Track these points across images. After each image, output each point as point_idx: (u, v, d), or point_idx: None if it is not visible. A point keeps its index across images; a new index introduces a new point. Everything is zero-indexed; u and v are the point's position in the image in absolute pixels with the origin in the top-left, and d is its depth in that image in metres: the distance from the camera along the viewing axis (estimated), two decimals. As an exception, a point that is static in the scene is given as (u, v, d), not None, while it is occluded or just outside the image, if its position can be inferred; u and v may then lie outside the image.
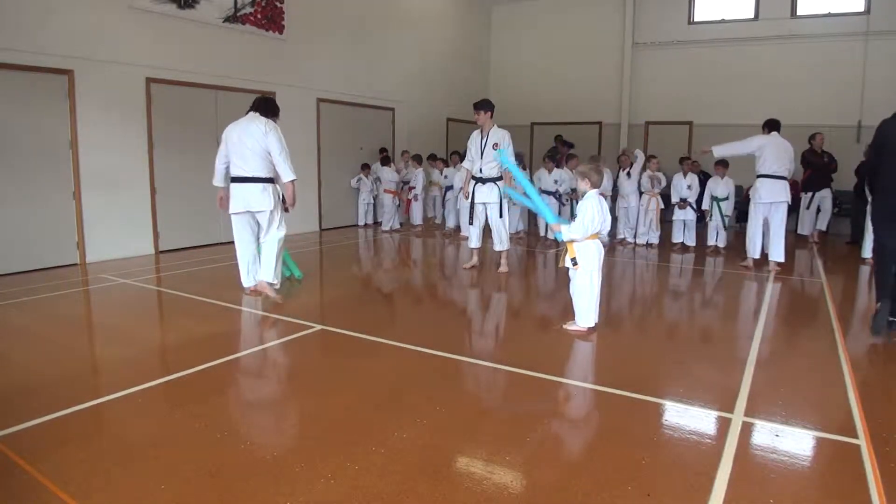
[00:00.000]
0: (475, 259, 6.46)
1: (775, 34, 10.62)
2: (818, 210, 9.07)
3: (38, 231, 6.15)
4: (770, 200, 6.43)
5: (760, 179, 6.49)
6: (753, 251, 6.68)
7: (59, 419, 2.66)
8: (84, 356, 3.76)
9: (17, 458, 2.29)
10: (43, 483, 2.13)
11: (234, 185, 4.81)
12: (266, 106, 4.95)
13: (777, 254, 6.48)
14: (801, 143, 9.34)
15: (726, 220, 7.91)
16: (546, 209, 4.40)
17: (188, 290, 5.31)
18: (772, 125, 6.60)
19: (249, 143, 4.69)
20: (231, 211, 4.88)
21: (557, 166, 9.02)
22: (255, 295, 4.98)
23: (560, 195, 8.83)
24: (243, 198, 4.79)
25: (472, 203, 6.25)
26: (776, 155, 6.37)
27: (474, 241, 6.41)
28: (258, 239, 5.01)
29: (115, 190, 6.76)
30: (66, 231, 6.40)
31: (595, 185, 4.02)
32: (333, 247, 6.15)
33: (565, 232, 3.95)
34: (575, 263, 3.94)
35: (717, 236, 7.97)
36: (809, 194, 8.96)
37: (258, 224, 4.94)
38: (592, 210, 3.90)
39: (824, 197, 9.00)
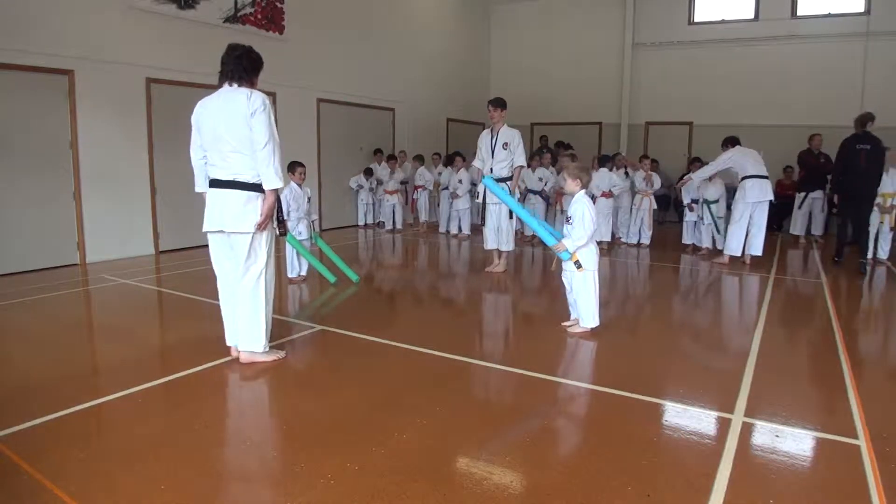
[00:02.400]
0: (496, 260, 6.29)
1: (775, 34, 10.64)
2: (810, 212, 9.08)
3: (38, 231, 6.15)
4: (758, 200, 6.70)
5: (748, 180, 6.71)
6: (736, 248, 6.86)
7: (59, 419, 2.66)
8: (84, 356, 3.76)
9: (17, 459, 2.29)
10: (43, 483, 2.13)
11: (209, 192, 3.33)
12: (242, 64, 3.26)
13: (756, 248, 6.82)
14: (801, 143, 9.37)
15: (720, 221, 7.82)
16: (543, 232, 4.19)
17: (188, 291, 5.31)
18: (733, 141, 6.93)
19: (228, 131, 3.17)
20: (203, 228, 3.36)
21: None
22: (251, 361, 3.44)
23: (546, 194, 8.80)
24: (217, 211, 3.27)
25: (484, 204, 6.20)
26: (751, 160, 6.71)
27: (490, 243, 6.25)
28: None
29: (115, 190, 6.76)
30: (66, 231, 6.40)
31: (585, 186, 4.04)
32: (333, 247, 6.19)
33: (570, 245, 3.92)
34: (579, 266, 3.94)
35: (707, 238, 7.95)
36: (802, 194, 8.99)
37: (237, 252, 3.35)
38: (587, 211, 3.91)
39: (816, 198, 9.02)
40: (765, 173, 6.72)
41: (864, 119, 6.84)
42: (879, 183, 6.85)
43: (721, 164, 6.84)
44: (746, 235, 6.83)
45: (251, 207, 3.23)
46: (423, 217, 9.99)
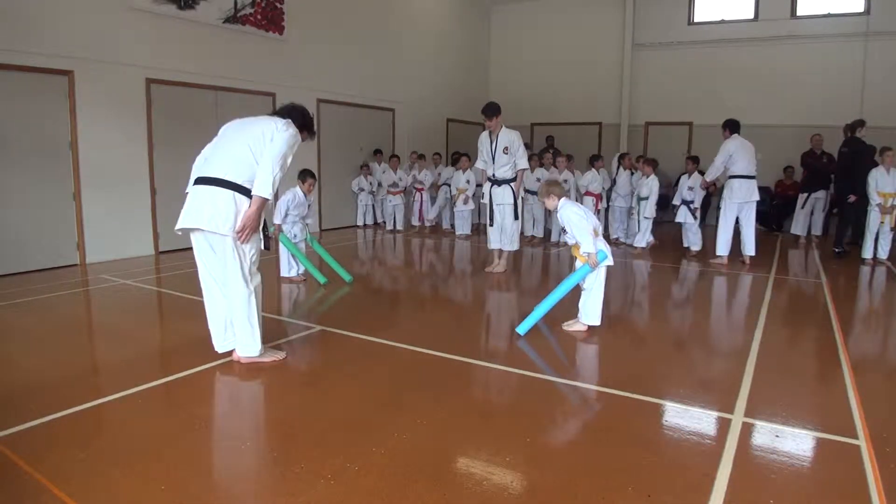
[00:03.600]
0: (497, 260, 6.29)
1: (775, 34, 10.63)
2: (812, 212, 9.12)
3: (38, 231, 6.15)
4: (744, 200, 6.72)
5: (735, 180, 6.73)
6: (725, 248, 6.88)
7: (59, 419, 2.66)
8: (84, 357, 3.76)
9: (17, 459, 2.29)
10: (43, 483, 2.13)
11: (192, 189, 3.19)
12: (295, 115, 3.38)
13: (750, 248, 6.84)
14: (801, 143, 9.38)
15: (644, 221, 7.85)
16: (579, 275, 4.08)
17: (188, 291, 5.31)
18: (733, 126, 6.83)
19: (241, 138, 3.16)
20: (176, 226, 3.19)
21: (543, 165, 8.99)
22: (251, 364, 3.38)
23: None
24: (195, 208, 3.09)
25: (491, 204, 6.16)
26: (745, 156, 6.70)
27: (494, 243, 6.24)
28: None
29: (115, 190, 6.76)
30: (66, 231, 6.40)
31: (561, 195, 4.13)
32: (333, 247, 6.19)
33: (587, 247, 3.91)
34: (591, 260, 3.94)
35: (635, 236, 8.04)
36: (805, 195, 9.01)
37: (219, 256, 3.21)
38: (574, 213, 3.95)
39: (818, 198, 9.05)
40: (752, 173, 6.72)
41: (853, 125, 7.72)
42: (859, 182, 7.28)
43: (726, 154, 6.73)
44: (739, 236, 6.85)
45: (230, 207, 3.06)
46: (426, 218, 9.87)
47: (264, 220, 3.31)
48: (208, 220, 3.05)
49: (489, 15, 13.64)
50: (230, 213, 3.06)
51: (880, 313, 5.20)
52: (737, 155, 6.66)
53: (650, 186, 7.72)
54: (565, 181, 8.27)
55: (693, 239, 7.58)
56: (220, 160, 3.15)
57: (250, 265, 3.23)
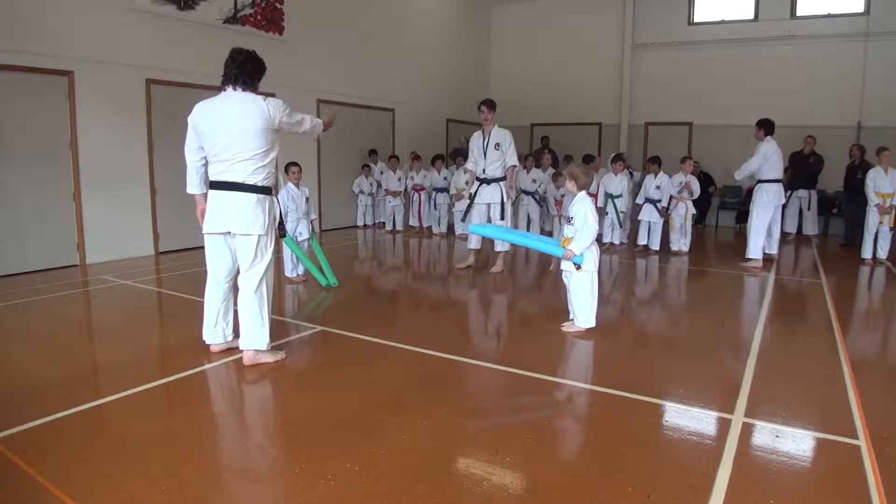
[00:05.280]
0: (471, 259, 6.42)
1: (775, 35, 10.63)
2: (800, 211, 9.22)
3: (38, 231, 6.15)
4: (778, 203, 6.78)
5: (769, 184, 6.69)
6: (771, 247, 6.99)
7: (59, 420, 2.66)
8: (84, 357, 3.76)
9: (16, 459, 2.29)
10: (43, 483, 2.13)
11: (212, 193, 3.33)
12: (247, 69, 3.29)
13: (774, 247, 7.00)
14: (800, 143, 9.38)
15: (622, 216, 7.99)
16: (548, 247, 4.17)
17: (188, 292, 5.31)
18: (769, 127, 6.75)
19: (241, 141, 3.19)
20: (205, 229, 3.39)
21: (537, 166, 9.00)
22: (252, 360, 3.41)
23: (540, 197, 8.81)
24: (224, 212, 3.26)
25: (474, 203, 6.21)
26: (779, 160, 6.73)
27: (473, 242, 6.37)
28: (237, 275, 3.48)
29: (115, 190, 6.76)
30: (66, 232, 6.40)
31: (584, 187, 4.02)
32: (333, 248, 6.20)
33: (577, 248, 3.90)
34: (579, 267, 3.93)
35: (612, 233, 8.08)
36: (788, 192, 9.08)
37: (235, 255, 3.43)
38: (589, 212, 3.91)
39: (802, 197, 9.11)
40: (781, 176, 6.78)
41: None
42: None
43: (761, 157, 6.64)
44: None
45: (260, 210, 3.27)
46: (424, 220, 9.83)
47: (280, 216, 3.55)
48: (240, 224, 3.25)
49: (489, 15, 13.64)
50: (259, 213, 3.27)
51: (880, 313, 5.21)
52: (773, 158, 6.63)
53: (621, 185, 7.88)
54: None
55: (656, 239, 7.83)
56: (232, 167, 3.22)
57: (267, 262, 3.38)
